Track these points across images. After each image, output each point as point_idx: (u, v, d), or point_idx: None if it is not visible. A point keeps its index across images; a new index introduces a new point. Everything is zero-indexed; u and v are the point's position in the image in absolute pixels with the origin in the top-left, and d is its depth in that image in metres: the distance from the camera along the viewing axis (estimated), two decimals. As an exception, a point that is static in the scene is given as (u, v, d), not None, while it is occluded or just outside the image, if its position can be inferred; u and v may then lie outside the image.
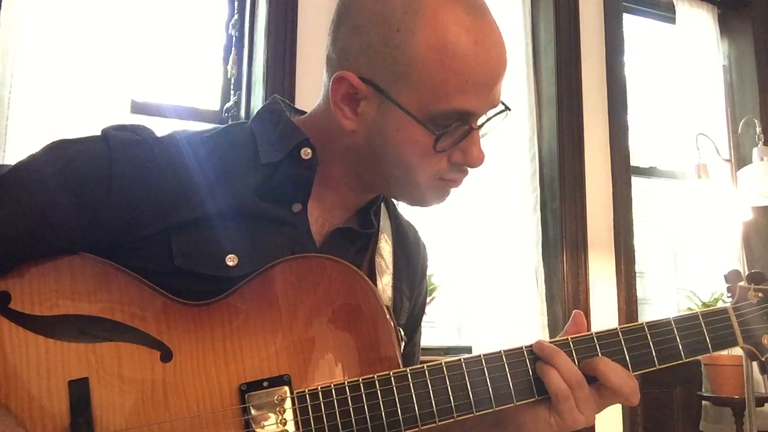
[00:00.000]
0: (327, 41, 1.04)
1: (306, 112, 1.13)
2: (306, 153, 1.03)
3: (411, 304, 1.21)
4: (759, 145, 3.25)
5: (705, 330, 1.07)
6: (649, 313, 3.84)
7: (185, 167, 0.98)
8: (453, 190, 1.07)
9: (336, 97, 1.00)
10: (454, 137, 0.98)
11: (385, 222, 1.19)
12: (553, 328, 3.15)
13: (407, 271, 1.20)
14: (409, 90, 0.95)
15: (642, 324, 1.05)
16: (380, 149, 1.00)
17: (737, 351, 3.22)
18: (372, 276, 1.11)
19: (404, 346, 1.18)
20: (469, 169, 1.03)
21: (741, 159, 3.69)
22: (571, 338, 1.02)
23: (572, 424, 0.98)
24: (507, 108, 1.02)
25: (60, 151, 0.96)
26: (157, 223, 0.96)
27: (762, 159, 3.19)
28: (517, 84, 3.30)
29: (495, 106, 1.01)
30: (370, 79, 0.97)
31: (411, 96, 0.95)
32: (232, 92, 2.89)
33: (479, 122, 1.00)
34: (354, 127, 1.00)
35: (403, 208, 1.29)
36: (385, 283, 1.13)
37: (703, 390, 3.35)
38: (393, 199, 1.22)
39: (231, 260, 0.98)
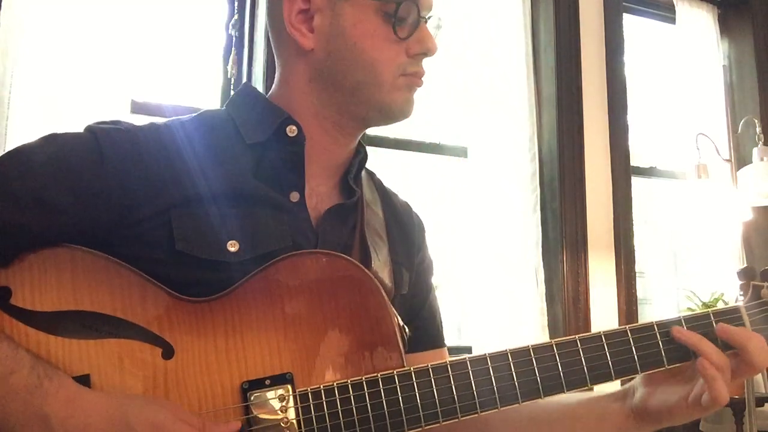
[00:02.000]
0: None
1: None
2: (291, 130, 1.05)
3: (412, 274, 1.20)
4: (759, 145, 3.25)
5: (716, 330, 1.05)
6: (649, 313, 3.84)
7: (172, 150, 0.99)
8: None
9: (290, 17, 1.05)
10: (408, 24, 1.05)
11: (372, 194, 1.19)
12: (553, 328, 3.15)
13: (402, 239, 1.20)
14: None
15: (651, 323, 1.03)
16: (342, 53, 1.04)
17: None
18: (365, 249, 1.10)
19: (420, 310, 1.20)
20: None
21: (741, 159, 3.69)
22: (579, 337, 1.01)
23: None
24: (436, 17, 1.11)
25: (51, 140, 0.97)
26: (154, 202, 0.96)
27: (762, 159, 3.19)
28: (517, 84, 3.30)
29: (430, 7, 1.09)
30: None
31: None
32: (232, 92, 2.89)
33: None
34: (313, 44, 1.05)
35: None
36: (382, 258, 1.13)
37: (703, 390, 3.33)
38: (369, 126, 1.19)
39: (232, 246, 0.98)
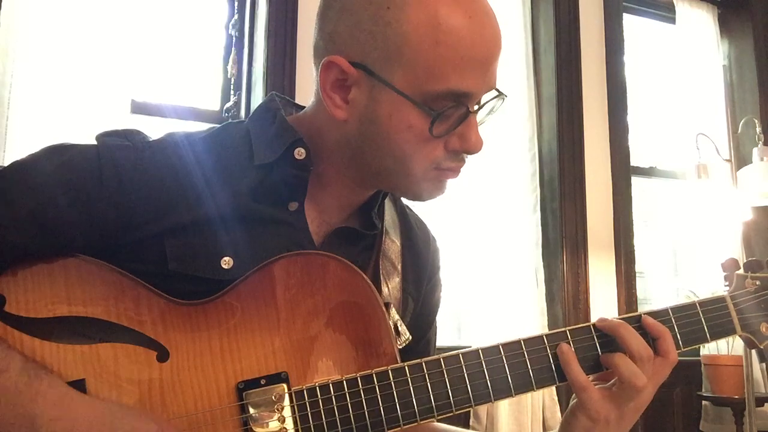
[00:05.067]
0: (314, 29, 1.01)
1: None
2: (300, 153, 1.00)
3: (417, 305, 1.18)
4: (759, 145, 3.25)
5: (703, 319, 1.07)
6: (649, 313, 3.82)
7: (176, 170, 0.97)
8: (452, 186, 1.04)
9: (325, 84, 0.97)
10: (450, 121, 0.94)
11: (392, 220, 1.16)
12: (553, 328, 3.13)
13: (415, 271, 1.18)
14: (402, 70, 0.91)
15: (639, 314, 1.04)
16: (373, 138, 0.96)
17: (737, 351, 3.21)
18: (377, 279, 1.09)
19: (416, 344, 1.17)
20: (466, 157, 1.00)
21: (741, 159, 3.70)
22: (569, 330, 1.02)
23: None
24: (502, 94, 0.99)
25: (56, 153, 0.95)
26: (153, 224, 0.95)
27: (762, 159, 3.19)
28: (517, 84, 3.30)
29: (491, 88, 0.97)
30: (360, 62, 0.93)
31: (404, 76, 0.91)
32: (232, 92, 2.90)
33: (475, 107, 0.97)
34: (345, 116, 0.97)
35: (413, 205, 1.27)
36: (392, 286, 1.11)
37: (703, 390, 3.34)
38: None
39: (226, 263, 0.96)
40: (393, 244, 1.14)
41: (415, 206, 1.28)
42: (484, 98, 0.98)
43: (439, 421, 0.97)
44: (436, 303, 1.25)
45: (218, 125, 1.08)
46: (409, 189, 1.02)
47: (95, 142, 0.98)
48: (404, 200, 1.23)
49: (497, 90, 0.98)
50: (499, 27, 0.96)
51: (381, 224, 1.12)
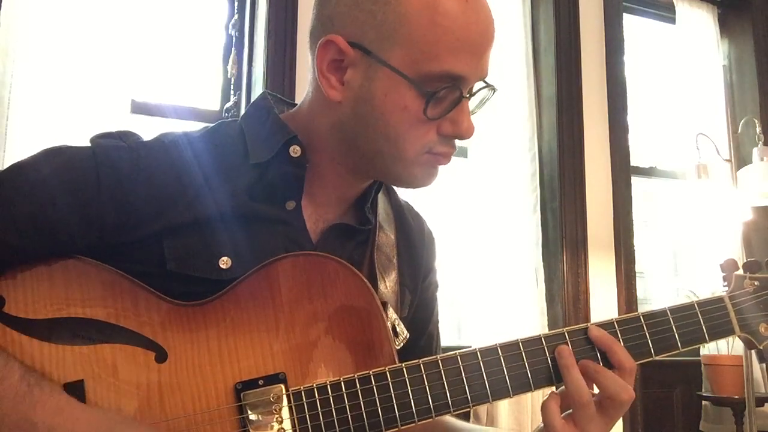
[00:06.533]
0: (311, 15, 1.02)
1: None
2: (295, 151, 1.02)
3: (415, 297, 1.19)
4: (759, 145, 3.25)
5: (701, 319, 1.07)
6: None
7: (173, 169, 0.98)
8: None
9: (322, 64, 0.98)
10: (444, 104, 0.96)
11: (386, 213, 1.17)
12: (553, 328, 3.14)
13: (410, 263, 1.19)
14: (398, 50, 0.94)
15: (637, 314, 1.04)
16: (367, 119, 0.98)
17: (737, 351, 3.20)
18: (373, 274, 1.10)
19: (418, 339, 1.18)
20: (457, 144, 1.02)
21: (741, 159, 3.70)
22: (567, 330, 1.02)
23: None
24: (491, 85, 1.01)
25: (53, 155, 0.96)
26: (151, 223, 0.95)
27: (762, 159, 3.19)
28: (517, 84, 3.30)
29: (483, 77, 1.00)
30: (357, 42, 0.96)
31: (401, 56, 0.94)
32: (232, 92, 2.90)
33: (467, 94, 0.99)
34: (340, 97, 0.99)
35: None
36: (390, 280, 1.12)
37: (703, 390, 3.34)
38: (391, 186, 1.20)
39: (224, 263, 0.97)
40: (387, 238, 1.15)
41: (415, 205, 1.29)
42: (476, 87, 1.00)
43: None
44: (432, 298, 1.26)
45: (211, 124, 1.09)
46: (401, 174, 1.03)
47: (89, 144, 0.99)
48: (401, 194, 1.24)
49: (486, 82, 1.01)
50: (492, 17, 0.99)
51: (375, 219, 1.13)
